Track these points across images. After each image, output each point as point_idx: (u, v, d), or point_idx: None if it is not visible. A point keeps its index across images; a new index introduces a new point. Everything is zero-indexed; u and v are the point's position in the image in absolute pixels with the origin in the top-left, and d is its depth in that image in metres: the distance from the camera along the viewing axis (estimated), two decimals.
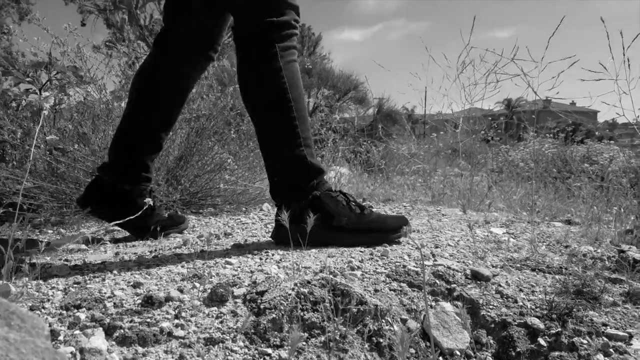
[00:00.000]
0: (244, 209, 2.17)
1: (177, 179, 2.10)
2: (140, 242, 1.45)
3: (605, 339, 0.80)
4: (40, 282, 0.94)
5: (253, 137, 2.65)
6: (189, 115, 2.27)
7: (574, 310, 0.83)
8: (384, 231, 1.18)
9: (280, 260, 1.05)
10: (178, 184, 2.03)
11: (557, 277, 1.01)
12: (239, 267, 1.00)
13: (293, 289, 0.81)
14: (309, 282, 0.84)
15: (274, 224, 1.25)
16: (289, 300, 0.77)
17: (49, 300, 0.84)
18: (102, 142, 2.18)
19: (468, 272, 0.97)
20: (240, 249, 1.20)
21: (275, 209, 1.22)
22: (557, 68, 1.94)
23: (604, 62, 1.61)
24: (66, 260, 1.20)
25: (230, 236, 1.40)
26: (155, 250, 1.27)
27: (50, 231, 1.76)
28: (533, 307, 0.85)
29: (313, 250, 1.13)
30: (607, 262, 1.23)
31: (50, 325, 0.74)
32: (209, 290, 0.83)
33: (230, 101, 2.27)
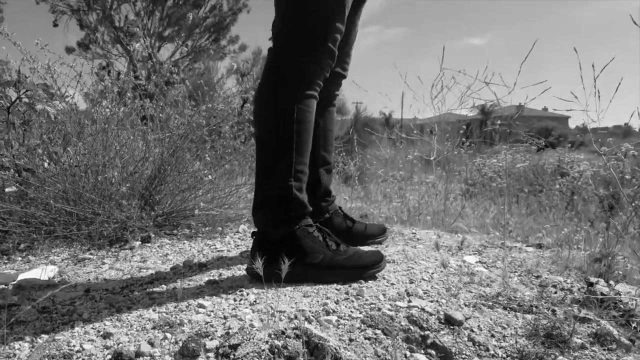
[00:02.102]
0: (219, 228, 2.15)
1: (150, 204, 2.07)
2: (111, 274, 1.43)
3: None
4: (6, 331, 0.92)
5: (230, 152, 2.63)
6: (162, 134, 2.24)
7: (544, 358, 0.84)
8: (360, 268, 1.18)
9: (255, 301, 1.04)
10: (152, 210, 2.00)
11: (527, 317, 1.03)
12: (212, 311, 0.99)
13: (267, 342, 0.81)
14: (283, 333, 0.84)
15: (249, 251, 1.24)
16: (263, 356, 0.77)
17: (15, 355, 0.81)
18: (74, 160, 2.14)
19: (442, 315, 0.97)
20: (215, 286, 1.18)
21: (252, 231, 1.22)
22: (530, 91, 1.98)
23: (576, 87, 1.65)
24: (34, 299, 1.17)
25: (204, 268, 1.39)
26: (127, 287, 1.25)
27: (19, 258, 1.72)
28: (504, 355, 0.87)
29: (288, 288, 1.13)
30: (576, 294, 1.26)
31: None
32: (181, 344, 0.82)
33: (203, 121, 2.25)
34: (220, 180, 2.49)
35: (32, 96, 2.14)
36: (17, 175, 2.05)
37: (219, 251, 1.65)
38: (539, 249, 1.80)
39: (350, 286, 1.14)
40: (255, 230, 1.22)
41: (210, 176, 2.30)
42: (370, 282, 1.18)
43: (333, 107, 1.52)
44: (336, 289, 1.12)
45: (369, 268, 1.19)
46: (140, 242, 1.85)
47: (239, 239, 1.90)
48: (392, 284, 1.17)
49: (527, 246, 1.81)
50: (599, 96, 1.60)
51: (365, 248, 1.60)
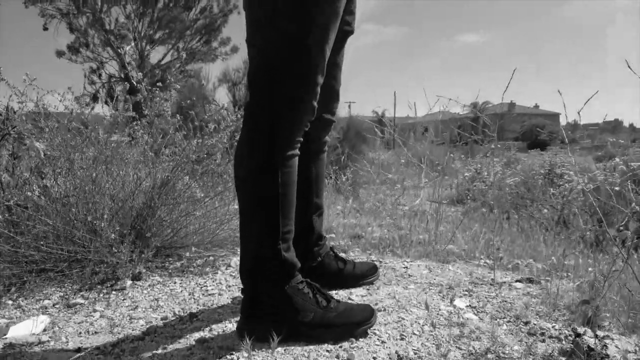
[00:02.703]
0: (211, 258, 2.15)
1: (141, 238, 2.07)
2: (102, 324, 1.43)
3: None
4: None
5: (223, 175, 2.62)
6: (153, 167, 2.23)
7: None
8: (351, 325, 1.19)
9: None
10: (143, 247, 2.00)
11: None
12: None
13: None
14: None
15: (240, 311, 1.24)
16: None
17: None
18: (64, 191, 2.13)
19: None
20: (205, 345, 1.19)
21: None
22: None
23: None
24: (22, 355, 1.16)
25: (195, 319, 1.39)
26: (118, 344, 1.25)
27: (10, 302, 1.71)
28: None
29: (279, 350, 1.13)
30: (564, 343, 1.28)
31: None
32: None
33: (193, 156, 2.24)
34: (212, 205, 2.48)
35: (21, 132, 2.13)
36: (6, 212, 2.04)
37: (210, 294, 1.65)
38: (529, 283, 1.81)
39: (341, 347, 1.15)
40: (243, 288, 1.22)
41: (201, 210, 2.29)
42: (361, 340, 1.18)
43: (324, 153, 1.52)
44: (327, 351, 1.12)
45: (360, 325, 1.20)
46: (131, 281, 1.85)
47: (230, 275, 1.90)
48: (383, 342, 1.18)
49: (516, 281, 1.83)
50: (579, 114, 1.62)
51: (358, 290, 1.62)
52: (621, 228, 2.04)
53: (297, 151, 1.17)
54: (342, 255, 1.79)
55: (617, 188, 3.91)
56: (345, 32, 1.32)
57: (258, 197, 1.14)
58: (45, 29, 33.02)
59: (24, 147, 2.25)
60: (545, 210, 3.90)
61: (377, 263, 1.95)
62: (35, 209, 2.05)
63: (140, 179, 2.19)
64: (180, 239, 2.28)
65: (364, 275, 1.65)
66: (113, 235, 1.81)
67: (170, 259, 2.25)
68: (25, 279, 1.85)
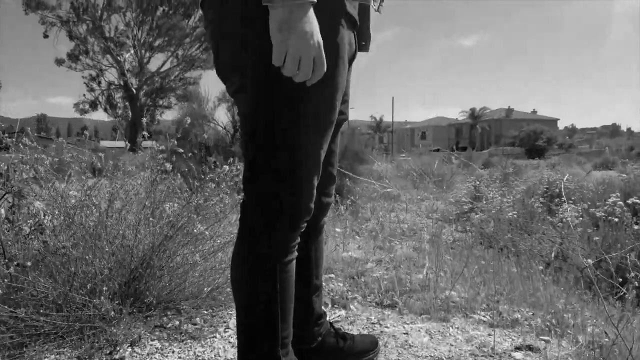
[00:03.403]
0: (208, 316, 2.15)
1: (139, 299, 2.06)
2: None
3: None
4: None
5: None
6: (152, 227, 2.23)
7: None
8: None
9: None
10: (142, 304, 2.00)
11: None
12: None
13: None
14: None
15: None
16: None
17: None
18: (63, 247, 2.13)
19: None
20: None
21: None
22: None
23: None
24: None
25: None
26: None
27: None
28: None
29: None
30: None
31: None
32: None
33: (194, 216, 2.24)
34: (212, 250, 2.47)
35: (20, 191, 2.13)
36: (6, 267, 2.04)
37: None
38: (529, 351, 1.81)
39: None
40: None
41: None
42: None
43: (322, 234, 1.52)
44: None
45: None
46: (130, 349, 1.85)
47: (228, 341, 1.90)
48: None
49: (516, 349, 1.83)
50: None
51: None
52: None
53: (295, 254, 1.17)
54: (341, 314, 1.79)
55: (616, 220, 3.91)
56: (341, 120, 1.31)
57: (256, 304, 1.14)
58: (46, 36, 33.13)
59: (23, 202, 2.25)
60: (544, 244, 3.90)
61: (377, 327, 1.95)
62: (35, 266, 2.05)
63: (139, 239, 2.18)
64: (179, 291, 2.28)
65: (365, 351, 1.65)
66: (111, 306, 1.81)
67: (169, 312, 2.25)
68: (25, 343, 1.84)
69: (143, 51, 33.08)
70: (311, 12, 0.91)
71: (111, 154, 15.64)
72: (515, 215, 3.62)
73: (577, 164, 19.12)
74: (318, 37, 0.92)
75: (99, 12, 30.86)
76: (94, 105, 32.69)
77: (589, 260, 2.87)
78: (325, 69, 0.95)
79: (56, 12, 30.25)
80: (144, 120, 34.65)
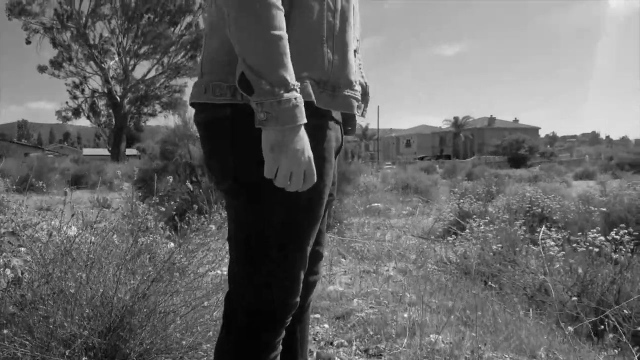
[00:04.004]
0: None
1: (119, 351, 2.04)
2: None
3: None
4: None
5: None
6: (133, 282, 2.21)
7: None
8: None
9: None
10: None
11: None
12: None
13: None
14: None
15: None
16: None
17: None
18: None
19: None
20: None
21: None
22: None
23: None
24: None
25: None
26: None
27: None
28: None
29: None
30: None
31: None
32: None
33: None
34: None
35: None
36: None
37: None
38: None
39: None
40: None
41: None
42: None
43: (308, 311, 1.51)
44: None
45: None
46: None
47: None
48: None
49: None
50: None
51: None
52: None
53: (280, 349, 1.17)
54: None
55: (597, 249, 3.98)
56: (329, 201, 1.32)
57: None
58: (28, 42, 32.72)
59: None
60: (527, 275, 3.95)
61: None
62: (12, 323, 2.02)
63: (119, 289, 2.16)
64: (159, 341, 2.26)
65: None
66: None
67: None
68: None
69: (128, 59, 32.86)
70: (302, 131, 0.92)
71: (95, 165, 15.20)
72: (499, 248, 3.66)
73: (558, 175, 19.39)
74: (308, 152, 0.93)
75: (84, 19, 30.60)
76: (76, 112, 32.38)
77: (574, 298, 2.93)
78: (315, 179, 0.97)
79: (39, 18, 29.94)
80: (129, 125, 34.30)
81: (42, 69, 31.50)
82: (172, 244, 2.73)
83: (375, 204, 9.46)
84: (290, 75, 0.89)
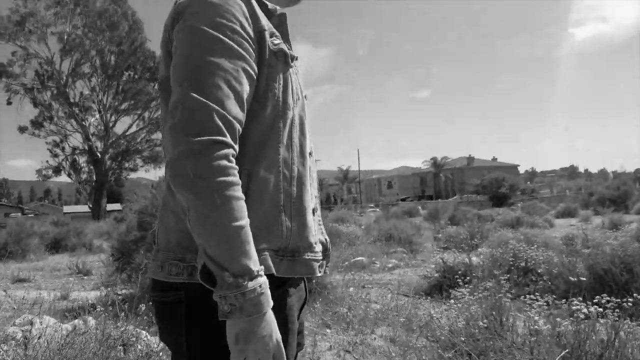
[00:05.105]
0: None
1: None
2: None
3: None
4: None
5: None
6: None
7: None
8: None
9: None
10: None
11: None
12: None
13: None
14: None
15: None
16: None
17: None
18: None
19: None
20: None
21: None
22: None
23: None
24: None
25: None
26: None
27: None
28: None
29: None
30: None
31: None
32: None
33: None
34: None
35: None
36: None
37: None
38: None
39: None
40: None
41: None
42: None
43: None
44: None
45: None
46: None
47: None
48: None
49: None
50: None
51: None
52: None
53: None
54: None
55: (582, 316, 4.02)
56: (297, 351, 1.18)
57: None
58: (9, 103, 32.71)
59: None
60: (515, 352, 3.98)
61: None
62: None
63: None
64: None
65: None
66: None
67: None
68: None
69: (109, 115, 33.05)
70: (268, 314, 0.86)
71: (74, 227, 14.88)
72: (484, 323, 3.69)
73: (540, 215, 19.63)
74: (276, 334, 0.88)
75: (64, 78, 30.87)
76: (57, 170, 32.13)
77: None
78: (285, 359, 0.91)
79: (20, 79, 30.12)
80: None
81: (22, 129, 31.46)
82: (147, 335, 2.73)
83: (359, 258, 9.44)
84: (253, 262, 0.85)
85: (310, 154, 1.07)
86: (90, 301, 5.41)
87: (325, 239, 1.13)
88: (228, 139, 0.84)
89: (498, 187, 40.74)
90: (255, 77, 0.93)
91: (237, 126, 0.88)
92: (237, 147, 0.87)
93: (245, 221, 0.84)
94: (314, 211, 1.07)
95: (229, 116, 0.85)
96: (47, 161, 32.05)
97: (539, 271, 6.54)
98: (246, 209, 0.85)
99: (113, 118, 33.52)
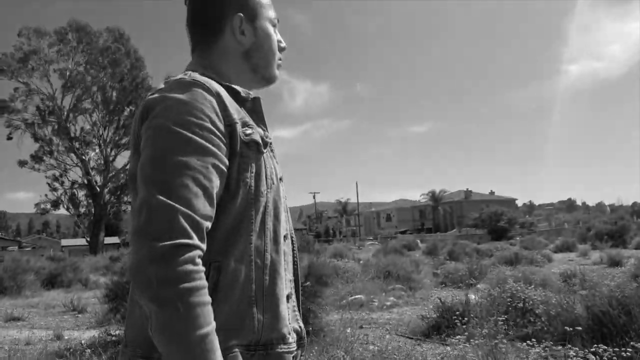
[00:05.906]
0: None
1: None
2: None
3: None
4: None
5: None
6: None
7: None
8: None
9: None
10: None
11: None
12: None
13: None
14: None
15: None
16: None
17: None
18: None
19: None
20: None
21: None
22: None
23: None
24: None
25: None
26: None
27: None
28: None
29: None
30: None
31: None
32: None
33: None
34: None
35: None
36: None
37: None
38: None
39: None
40: None
41: None
42: None
43: None
44: None
45: None
46: None
47: None
48: None
49: None
50: None
51: None
52: None
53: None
54: None
55: None
56: None
57: None
58: (10, 138, 32.93)
59: None
60: None
61: None
62: None
63: None
64: None
65: None
66: None
67: None
68: None
69: (109, 149, 33.26)
70: None
71: (71, 262, 14.81)
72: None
73: (538, 249, 19.52)
74: None
75: (65, 113, 31.22)
76: (55, 204, 32.11)
77: None
78: None
79: (21, 115, 30.46)
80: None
81: (22, 163, 31.62)
82: None
83: (357, 296, 9.34)
84: None
85: (285, 237, 1.06)
86: (83, 341, 5.36)
87: (300, 327, 1.08)
88: (193, 240, 0.81)
89: (497, 220, 40.64)
90: (225, 171, 0.92)
91: (206, 224, 0.85)
92: (204, 245, 0.85)
93: (210, 327, 0.80)
94: (288, 297, 1.04)
95: (195, 216, 0.83)
96: (45, 195, 32.10)
97: (537, 312, 6.50)
98: (212, 313, 0.82)
99: (113, 152, 33.74)
